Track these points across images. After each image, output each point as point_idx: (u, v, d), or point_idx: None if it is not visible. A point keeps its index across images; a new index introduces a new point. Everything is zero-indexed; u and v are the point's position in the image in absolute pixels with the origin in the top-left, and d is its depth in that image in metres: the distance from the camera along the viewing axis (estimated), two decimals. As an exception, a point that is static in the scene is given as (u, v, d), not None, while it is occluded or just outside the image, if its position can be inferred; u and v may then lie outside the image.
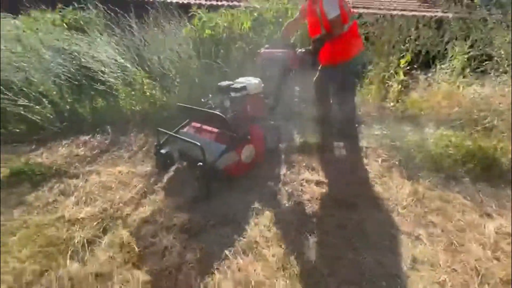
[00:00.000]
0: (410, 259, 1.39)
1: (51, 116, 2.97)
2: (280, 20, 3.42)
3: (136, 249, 1.52)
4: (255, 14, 3.56)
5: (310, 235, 1.57)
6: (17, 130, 2.91)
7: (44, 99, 2.99)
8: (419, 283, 1.28)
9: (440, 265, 1.35)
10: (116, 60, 3.07)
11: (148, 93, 3.20)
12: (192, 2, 4.68)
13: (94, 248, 1.55)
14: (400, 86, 3.28)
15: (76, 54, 3.03)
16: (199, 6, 3.89)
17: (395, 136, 2.57)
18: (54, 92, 3.07)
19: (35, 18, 3.70)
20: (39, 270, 1.43)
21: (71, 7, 3.82)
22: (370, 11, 4.78)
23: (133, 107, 3.17)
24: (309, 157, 2.34)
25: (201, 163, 1.79)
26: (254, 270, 1.36)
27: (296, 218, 1.70)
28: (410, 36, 3.33)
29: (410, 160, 2.22)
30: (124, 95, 3.17)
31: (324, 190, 1.96)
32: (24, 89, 2.96)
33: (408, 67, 3.27)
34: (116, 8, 3.40)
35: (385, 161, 2.31)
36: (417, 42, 3.33)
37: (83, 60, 3.02)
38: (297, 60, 2.21)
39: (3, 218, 1.78)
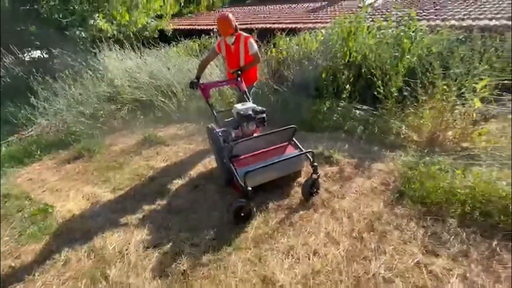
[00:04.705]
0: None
1: (174, 108, 4.70)
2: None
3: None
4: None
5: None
6: (159, 115, 4.81)
7: (173, 98, 4.77)
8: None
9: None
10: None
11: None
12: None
13: (155, 179, 2.78)
14: (472, 115, 2.78)
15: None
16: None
17: (411, 164, 2.40)
18: (181, 93, 4.81)
19: (182, 46, 5.81)
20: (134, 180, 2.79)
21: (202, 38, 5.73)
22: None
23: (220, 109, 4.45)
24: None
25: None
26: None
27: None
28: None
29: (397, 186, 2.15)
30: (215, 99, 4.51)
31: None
32: (165, 91, 4.83)
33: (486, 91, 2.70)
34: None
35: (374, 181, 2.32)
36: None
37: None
38: (243, 85, 2.82)
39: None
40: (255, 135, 2.54)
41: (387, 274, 1.51)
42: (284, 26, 5.83)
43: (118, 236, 2.06)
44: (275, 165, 2.11)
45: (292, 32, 5.01)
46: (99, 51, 5.59)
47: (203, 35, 6.12)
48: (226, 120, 2.69)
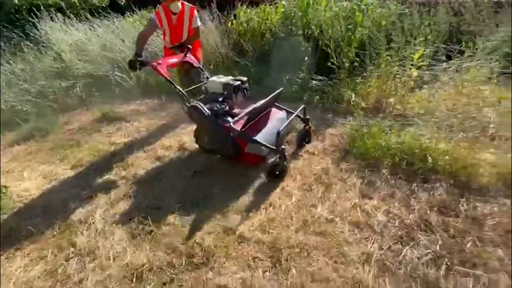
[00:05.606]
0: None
1: (133, 84, 4.50)
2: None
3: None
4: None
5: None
6: (117, 91, 4.58)
7: (131, 73, 4.53)
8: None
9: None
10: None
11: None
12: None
13: (117, 154, 2.76)
14: (410, 83, 3.14)
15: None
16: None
17: (357, 127, 2.68)
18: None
19: (137, 17, 5.44)
20: (94, 156, 2.74)
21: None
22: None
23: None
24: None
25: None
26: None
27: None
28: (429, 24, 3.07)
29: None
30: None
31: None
32: (121, 65, 4.57)
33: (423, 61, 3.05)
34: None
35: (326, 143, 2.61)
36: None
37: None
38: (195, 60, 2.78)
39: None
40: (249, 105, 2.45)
41: (330, 215, 1.79)
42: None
43: (82, 208, 2.09)
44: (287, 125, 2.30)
45: (253, 3, 4.95)
46: (38, 21, 5.00)
47: (158, 6, 5.75)
48: (200, 97, 2.49)
